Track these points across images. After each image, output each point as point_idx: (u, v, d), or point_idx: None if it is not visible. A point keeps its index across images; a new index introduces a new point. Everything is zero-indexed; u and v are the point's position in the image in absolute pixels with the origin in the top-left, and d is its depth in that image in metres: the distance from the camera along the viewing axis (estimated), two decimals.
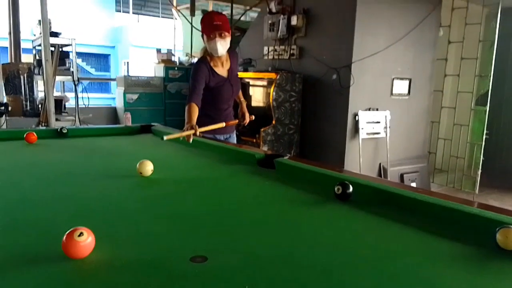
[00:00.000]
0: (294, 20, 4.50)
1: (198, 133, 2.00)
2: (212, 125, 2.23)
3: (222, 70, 2.43)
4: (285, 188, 1.43)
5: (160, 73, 5.56)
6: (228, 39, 2.33)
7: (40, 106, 4.06)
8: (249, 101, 4.95)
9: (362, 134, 4.10)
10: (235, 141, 2.66)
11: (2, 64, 3.95)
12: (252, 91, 5.15)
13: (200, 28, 2.41)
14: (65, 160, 1.83)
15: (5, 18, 4.81)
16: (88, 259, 0.81)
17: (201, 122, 2.35)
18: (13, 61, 4.36)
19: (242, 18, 6.86)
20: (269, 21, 4.83)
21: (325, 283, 0.75)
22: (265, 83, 4.64)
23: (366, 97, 4.21)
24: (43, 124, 3.76)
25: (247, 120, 2.61)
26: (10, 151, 1.97)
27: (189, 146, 2.05)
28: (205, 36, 2.34)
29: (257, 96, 4.99)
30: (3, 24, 4.26)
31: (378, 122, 4.21)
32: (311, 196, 1.31)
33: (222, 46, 2.31)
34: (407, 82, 4.52)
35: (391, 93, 4.40)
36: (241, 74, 4.88)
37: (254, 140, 3.99)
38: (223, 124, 2.29)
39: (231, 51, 2.45)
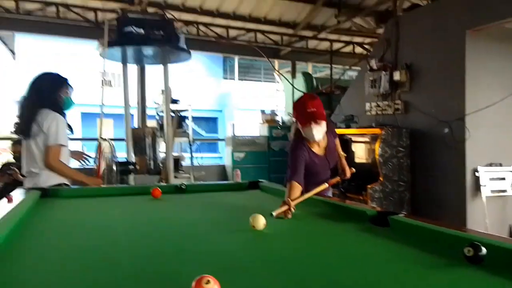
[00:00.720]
0: (397, 76, 4.44)
1: (292, 207, 1.83)
2: (316, 189, 2.08)
3: (318, 149, 2.37)
4: (402, 247, 1.34)
5: (264, 132, 5.85)
6: (324, 124, 2.23)
7: (161, 164, 4.54)
8: (352, 157, 4.88)
9: (486, 192, 3.70)
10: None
11: (132, 129, 4.56)
12: (354, 147, 5.08)
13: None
14: (184, 214, 1.99)
15: (135, 89, 5.63)
16: None
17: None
18: (140, 126, 4.99)
19: (341, 77, 6.97)
20: (370, 78, 4.84)
21: None
22: (368, 139, 4.56)
23: (485, 151, 3.85)
24: (163, 181, 4.17)
25: (348, 174, 2.52)
26: (140, 204, 2.21)
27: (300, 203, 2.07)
28: (299, 124, 2.27)
29: (360, 152, 4.90)
30: (134, 95, 4.95)
31: (503, 179, 3.78)
32: (433, 258, 1.21)
33: (318, 132, 2.22)
34: None
35: None
36: (343, 131, 4.89)
37: (361, 198, 3.86)
38: (326, 185, 2.16)
39: (327, 122, 2.32)
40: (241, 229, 1.59)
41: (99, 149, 4.04)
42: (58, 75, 2.72)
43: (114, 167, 3.57)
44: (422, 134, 4.18)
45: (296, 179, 2.13)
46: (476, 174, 3.75)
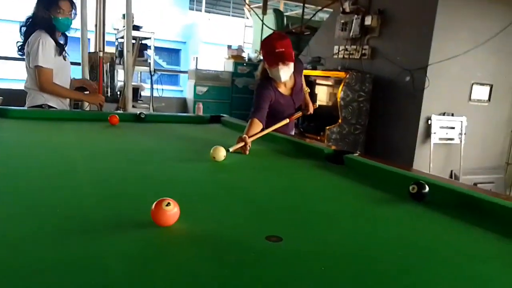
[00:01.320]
0: (368, 20, 4.39)
1: (249, 143, 1.83)
2: (275, 125, 2.13)
3: (285, 89, 2.34)
4: (355, 184, 1.41)
5: (229, 68, 5.72)
6: (292, 65, 2.18)
7: (119, 93, 4.37)
8: (314, 99, 4.93)
9: (434, 139, 3.91)
10: None
11: (88, 53, 4.29)
12: (318, 89, 5.11)
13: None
14: (145, 142, 1.96)
15: (93, 12, 5.23)
16: (173, 227, 0.88)
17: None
18: (97, 50, 4.71)
19: (313, 18, 6.81)
20: (342, 21, 4.76)
21: (402, 279, 0.74)
22: (332, 82, 4.60)
23: (441, 101, 4.01)
24: (121, 109, 4.04)
25: (311, 109, 2.52)
26: (97, 130, 2.15)
27: (259, 139, 2.09)
28: (266, 63, 2.23)
29: (323, 95, 4.96)
30: (92, 17, 4.61)
31: (453, 128, 3.99)
32: (383, 194, 1.29)
33: (285, 73, 2.18)
34: (487, 88, 4.23)
35: (469, 99, 4.15)
36: (309, 72, 4.87)
37: (319, 138, 3.97)
38: (287, 121, 2.20)
39: (296, 62, 2.29)
40: (202, 159, 1.60)
41: (100, 62, 3.88)
42: None
43: None
44: (385, 80, 4.25)
45: (257, 116, 2.11)
46: (429, 122, 3.93)
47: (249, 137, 1.88)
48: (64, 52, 2.63)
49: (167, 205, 0.88)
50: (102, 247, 0.77)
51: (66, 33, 2.67)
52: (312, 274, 0.72)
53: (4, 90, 4.33)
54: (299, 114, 2.47)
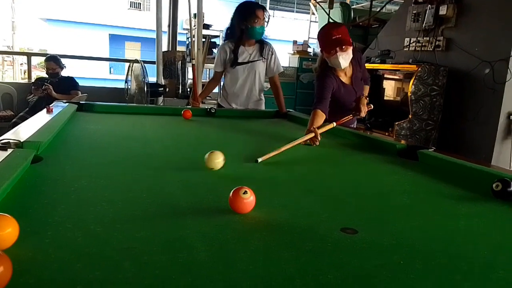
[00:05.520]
0: (443, 10, 4.14)
1: (319, 136, 1.84)
2: (326, 126, 1.99)
3: (346, 78, 2.32)
4: (431, 180, 1.36)
5: (294, 63, 5.71)
6: (350, 50, 2.16)
7: (189, 90, 4.56)
8: (382, 94, 4.77)
9: None
10: None
11: (163, 52, 4.54)
12: (385, 84, 4.94)
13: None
14: (217, 134, 2.08)
15: (166, 13, 5.51)
16: (249, 215, 0.91)
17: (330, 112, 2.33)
18: (170, 49, 4.95)
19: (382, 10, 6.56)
20: (414, 11, 4.54)
21: (486, 279, 0.71)
22: (401, 76, 4.42)
23: None
24: (191, 105, 4.21)
25: (363, 113, 2.30)
26: (173, 124, 2.28)
27: (327, 132, 2.08)
28: (324, 53, 2.21)
29: (390, 90, 4.78)
30: (165, 18, 4.85)
31: None
32: (462, 191, 1.22)
33: (345, 59, 2.16)
34: None
35: None
36: (377, 66, 4.72)
37: (387, 134, 3.83)
38: (333, 124, 2.05)
39: (353, 51, 2.25)
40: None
41: (193, 70, 4.09)
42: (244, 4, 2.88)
43: (145, 88, 3.62)
44: (461, 73, 3.98)
45: (321, 107, 2.10)
46: (511, 117, 3.62)
47: (317, 128, 1.88)
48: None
49: (244, 193, 0.92)
50: (186, 229, 0.83)
51: None
52: (390, 266, 0.72)
53: (87, 88, 4.72)
54: (349, 117, 2.26)
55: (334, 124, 2.08)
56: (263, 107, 3.10)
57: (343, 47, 2.13)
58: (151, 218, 0.88)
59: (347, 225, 0.88)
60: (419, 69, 3.92)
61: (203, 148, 1.67)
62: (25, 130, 1.50)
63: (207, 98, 4.99)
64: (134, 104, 2.71)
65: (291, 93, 5.58)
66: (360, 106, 2.30)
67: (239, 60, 2.87)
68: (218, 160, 1.27)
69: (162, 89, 3.78)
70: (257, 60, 2.91)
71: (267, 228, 0.88)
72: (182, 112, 2.39)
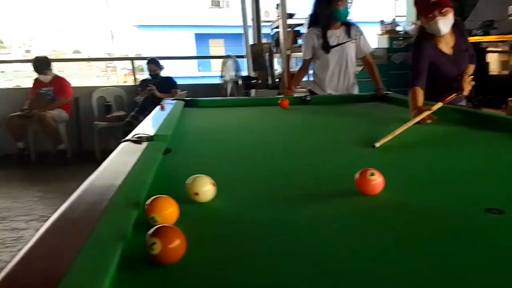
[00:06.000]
0: None
1: (430, 112, 1.75)
2: (434, 106, 1.85)
3: (446, 47, 2.13)
4: None
5: (384, 44, 5.47)
6: (451, 15, 2.00)
7: (278, 80, 4.63)
8: (486, 69, 4.37)
9: None
10: None
11: (250, 45, 4.66)
12: (489, 57, 4.52)
13: None
14: (321, 122, 2.09)
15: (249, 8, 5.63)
16: (378, 197, 0.91)
17: (430, 92, 2.18)
18: (256, 42, 5.06)
19: None
20: None
21: None
22: (506, 48, 4.00)
23: None
24: (282, 94, 4.28)
25: (467, 91, 2.12)
26: (275, 113, 2.34)
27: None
28: (422, 18, 2.08)
29: (495, 64, 4.36)
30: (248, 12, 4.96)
31: None
32: None
33: (445, 24, 2.00)
34: None
35: None
36: (478, 39, 4.32)
37: (499, 111, 3.50)
38: (440, 104, 1.88)
39: (456, 21, 2.10)
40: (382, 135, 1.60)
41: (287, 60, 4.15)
42: None
43: (240, 82, 3.76)
44: None
45: (418, 83, 1.99)
46: None
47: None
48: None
49: (371, 175, 0.92)
50: (317, 211, 0.86)
51: None
52: None
53: (184, 86, 5.05)
54: (453, 96, 2.06)
55: (441, 104, 1.96)
56: (356, 91, 3.04)
57: (443, 10, 1.98)
58: (279, 202, 0.92)
59: (491, 206, 0.84)
60: None
61: (313, 134, 1.74)
62: (149, 126, 1.67)
63: (297, 87, 5.04)
64: (233, 97, 2.83)
65: (383, 75, 5.27)
66: (463, 84, 2.13)
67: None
68: (206, 188, 0.87)
69: (255, 81, 3.89)
70: (347, 42, 2.86)
71: (399, 209, 0.87)
72: (279, 101, 2.44)
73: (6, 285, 0.52)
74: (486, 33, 4.35)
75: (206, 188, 0.87)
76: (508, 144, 1.42)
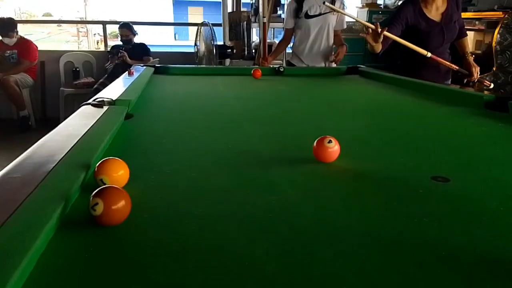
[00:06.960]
0: None
1: (379, 31, 1.85)
2: (416, 48, 1.98)
3: (434, 13, 2.10)
4: None
5: (363, 17, 5.42)
6: None
7: (254, 51, 4.55)
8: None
9: None
10: None
11: (229, 13, 4.54)
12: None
13: None
14: (289, 92, 2.07)
15: None
16: (335, 164, 0.92)
17: (406, 67, 2.20)
18: (234, 10, 4.93)
19: None
20: None
21: None
22: (481, 26, 4.04)
23: None
24: (257, 65, 4.22)
25: (475, 75, 2.16)
26: (245, 83, 2.31)
27: (398, 86, 2.00)
28: None
29: (470, 41, 4.39)
30: None
31: None
32: None
33: None
34: None
35: None
36: None
37: (467, 89, 3.57)
38: (428, 54, 1.97)
39: None
40: (347, 106, 1.61)
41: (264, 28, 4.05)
42: None
43: (214, 51, 3.68)
44: None
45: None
46: None
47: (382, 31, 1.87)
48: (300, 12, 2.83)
49: (329, 142, 0.92)
50: (274, 176, 0.86)
51: None
52: (490, 213, 0.69)
53: (157, 53, 4.90)
54: (454, 67, 2.12)
55: (429, 54, 1.97)
56: (333, 64, 3.03)
57: None
58: (240, 166, 0.93)
59: (438, 174, 0.86)
60: (506, 16, 3.55)
61: (279, 104, 1.73)
62: (114, 91, 1.62)
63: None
64: (206, 66, 2.77)
65: (360, 49, 5.33)
66: (471, 68, 2.09)
67: (311, 13, 2.79)
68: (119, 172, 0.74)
69: (230, 50, 3.81)
70: (329, 12, 2.81)
71: (354, 176, 0.89)
72: (252, 71, 2.40)
73: None
74: (464, 10, 4.36)
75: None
76: (469, 118, 1.45)
